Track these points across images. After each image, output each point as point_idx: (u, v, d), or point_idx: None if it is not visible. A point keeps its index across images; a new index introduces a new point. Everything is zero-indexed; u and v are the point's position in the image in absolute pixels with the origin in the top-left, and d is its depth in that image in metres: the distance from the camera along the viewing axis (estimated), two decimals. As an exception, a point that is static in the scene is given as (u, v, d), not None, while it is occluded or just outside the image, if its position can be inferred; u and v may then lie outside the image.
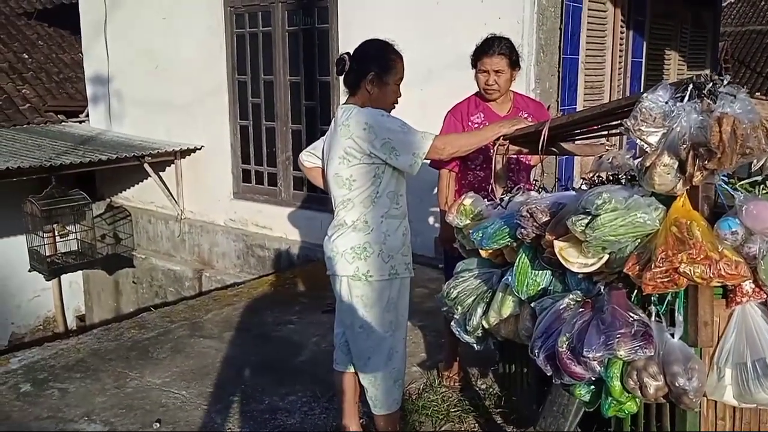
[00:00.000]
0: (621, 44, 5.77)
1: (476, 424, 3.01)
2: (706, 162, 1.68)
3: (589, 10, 5.20)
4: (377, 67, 2.43)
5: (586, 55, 5.26)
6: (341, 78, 2.51)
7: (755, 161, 2.30)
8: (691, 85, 1.79)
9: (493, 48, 2.96)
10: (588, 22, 5.22)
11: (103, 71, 7.65)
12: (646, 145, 1.81)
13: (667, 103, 1.81)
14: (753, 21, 17.61)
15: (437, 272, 4.72)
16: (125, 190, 7.76)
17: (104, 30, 7.50)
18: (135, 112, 7.47)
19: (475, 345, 2.57)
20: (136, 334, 4.09)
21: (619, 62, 5.78)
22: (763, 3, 18.24)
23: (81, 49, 8.26)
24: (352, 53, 2.47)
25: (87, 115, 8.20)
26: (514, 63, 3.02)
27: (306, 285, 5.03)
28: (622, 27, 5.74)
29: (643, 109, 1.81)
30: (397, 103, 2.53)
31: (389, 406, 2.52)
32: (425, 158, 2.41)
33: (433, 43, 5.08)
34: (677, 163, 1.74)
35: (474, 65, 3.05)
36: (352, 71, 2.45)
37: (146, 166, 6.77)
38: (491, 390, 3.24)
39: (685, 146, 1.71)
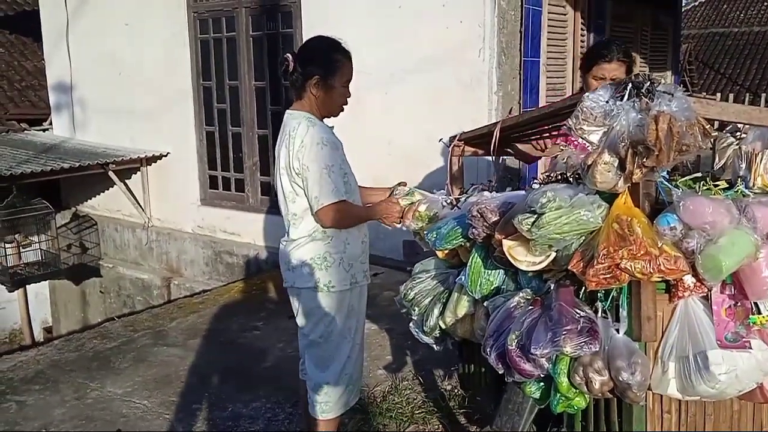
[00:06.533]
0: (582, 46, 5.84)
1: (440, 425, 3.02)
2: (644, 159, 1.71)
3: (549, 13, 5.27)
4: (322, 69, 2.32)
5: (548, 58, 5.33)
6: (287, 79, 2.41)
7: (717, 158, 2.37)
8: (630, 85, 1.82)
9: (612, 54, 2.83)
10: (548, 25, 5.28)
11: (65, 78, 7.53)
12: (588, 144, 1.85)
13: (607, 102, 1.85)
14: (716, 24, 18.04)
15: (405, 275, 4.72)
16: (91, 199, 7.64)
17: (66, 37, 7.39)
18: (99, 120, 7.36)
19: (434, 346, 2.59)
20: (98, 344, 4.03)
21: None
22: (725, 6, 18.71)
23: (43, 57, 8.12)
24: (296, 53, 2.38)
25: (50, 123, 8.06)
26: (629, 70, 2.84)
27: (273, 291, 5.00)
28: (582, 30, 5.82)
29: (585, 109, 1.84)
30: (346, 104, 2.44)
31: (337, 411, 2.50)
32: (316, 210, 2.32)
33: (396, 46, 5.11)
34: (617, 161, 1.76)
35: (587, 69, 2.92)
36: (296, 73, 2.35)
37: (111, 173, 6.67)
38: (456, 390, 3.25)
39: (624, 144, 1.74)
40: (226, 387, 3.43)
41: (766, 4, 18.33)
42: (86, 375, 3.62)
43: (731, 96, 12.35)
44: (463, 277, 2.25)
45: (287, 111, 2.46)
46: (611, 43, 2.93)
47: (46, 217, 6.97)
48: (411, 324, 2.59)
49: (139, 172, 6.95)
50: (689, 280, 1.76)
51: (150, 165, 6.93)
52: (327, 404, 2.49)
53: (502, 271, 2.17)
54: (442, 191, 2.70)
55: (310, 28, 5.52)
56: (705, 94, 12.67)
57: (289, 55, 2.37)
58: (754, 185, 1.97)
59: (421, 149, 4.92)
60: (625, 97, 1.81)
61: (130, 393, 3.39)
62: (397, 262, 5.12)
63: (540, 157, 3.20)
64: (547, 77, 5.35)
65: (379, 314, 4.14)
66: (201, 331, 4.22)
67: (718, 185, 1.94)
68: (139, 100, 6.87)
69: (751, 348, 1.70)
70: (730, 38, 16.73)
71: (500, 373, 1.98)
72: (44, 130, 8.17)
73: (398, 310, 2.64)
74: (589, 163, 1.81)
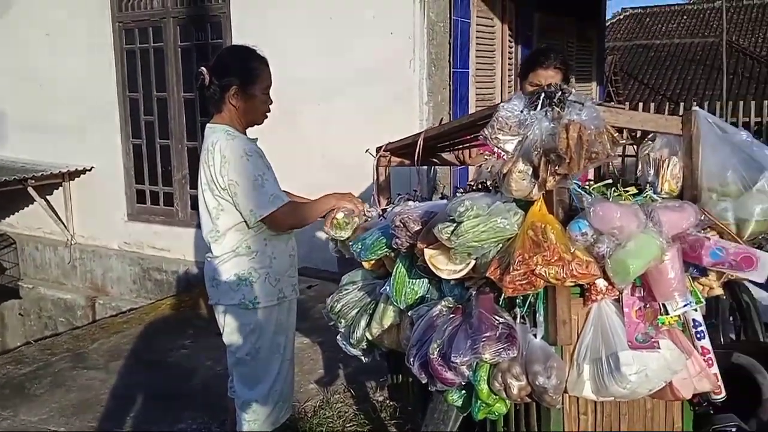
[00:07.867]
0: (510, 58, 6.01)
1: (371, 438, 2.99)
2: (556, 167, 1.75)
3: (477, 25, 5.39)
4: (239, 79, 2.26)
5: (477, 69, 5.44)
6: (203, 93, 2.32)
7: (641, 165, 2.44)
8: (543, 95, 1.86)
9: (549, 60, 2.80)
10: (477, 37, 5.40)
11: (-19, 90, 7.15)
12: (503, 153, 1.87)
13: (522, 111, 1.88)
14: (639, 36, 18.97)
15: (339, 287, 4.69)
16: (9, 217, 7.25)
17: (-19, 47, 7.03)
18: (18, 134, 7.01)
19: (362, 357, 2.56)
20: (11, 369, 3.80)
21: (509, 75, 6.02)
22: (648, 19, 19.72)
23: (-44, 67, 7.68)
24: (211, 65, 2.31)
25: (-36, 138, 7.62)
26: (566, 79, 2.83)
27: (203, 307, 4.86)
28: (510, 41, 5.99)
29: (500, 118, 1.87)
30: (269, 111, 2.38)
31: (266, 429, 2.43)
32: (261, 220, 2.26)
33: (329, 58, 5.10)
34: (531, 169, 1.80)
35: (524, 75, 2.89)
36: (212, 85, 2.27)
37: (30, 189, 6.35)
38: (387, 402, 3.23)
39: (537, 153, 1.77)
40: (150, 409, 3.29)
41: (685, 17, 19.43)
42: (-2, 403, 3.40)
43: (652, 105, 12.94)
44: (388, 288, 2.23)
45: (207, 125, 2.38)
46: (549, 50, 2.94)
47: (-42, 237, 6.56)
48: (338, 336, 2.55)
49: (61, 188, 6.66)
50: (601, 283, 1.80)
51: (73, 180, 6.65)
52: (255, 422, 2.42)
53: (426, 280, 2.17)
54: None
55: (240, 39, 5.43)
56: (628, 103, 13.23)
57: (203, 68, 2.29)
58: (662, 191, 2.04)
59: (355, 160, 4.89)
60: (539, 107, 1.85)
61: (46, 420, 3.21)
62: (332, 274, 5.07)
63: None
64: (477, 88, 5.46)
65: (312, 327, 4.09)
66: (124, 352, 4.05)
67: (628, 191, 2.00)
68: (61, 113, 6.58)
69: (659, 348, 1.75)
70: (652, 50, 17.59)
71: (424, 382, 1.98)
72: (-43, 145, 7.70)
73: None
74: (505, 171, 1.83)
